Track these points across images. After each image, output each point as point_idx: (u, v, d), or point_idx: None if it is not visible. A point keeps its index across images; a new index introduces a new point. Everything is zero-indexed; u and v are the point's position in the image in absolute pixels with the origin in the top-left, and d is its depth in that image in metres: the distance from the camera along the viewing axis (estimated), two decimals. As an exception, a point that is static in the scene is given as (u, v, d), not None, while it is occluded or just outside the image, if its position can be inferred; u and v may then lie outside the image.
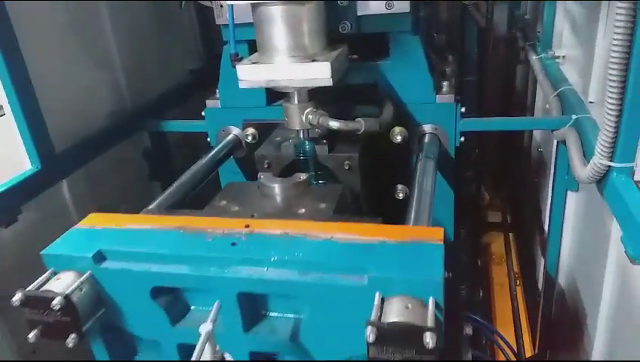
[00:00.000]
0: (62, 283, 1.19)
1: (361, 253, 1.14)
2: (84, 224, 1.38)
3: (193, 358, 0.97)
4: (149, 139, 2.76)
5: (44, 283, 1.21)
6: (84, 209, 2.22)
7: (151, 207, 1.62)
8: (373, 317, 0.99)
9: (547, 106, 2.35)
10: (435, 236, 1.16)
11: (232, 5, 1.76)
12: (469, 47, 3.24)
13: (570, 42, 2.61)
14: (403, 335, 0.97)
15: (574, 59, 2.47)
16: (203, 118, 2.25)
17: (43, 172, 2.02)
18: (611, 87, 1.35)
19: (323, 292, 1.11)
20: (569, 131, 1.90)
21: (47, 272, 1.24)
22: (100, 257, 1.24)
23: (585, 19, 2.26)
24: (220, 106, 2.19)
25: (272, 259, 1.15)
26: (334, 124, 1.68)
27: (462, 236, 2.93)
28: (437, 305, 1.02)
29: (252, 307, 1.22)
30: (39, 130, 2.01)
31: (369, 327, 0.97)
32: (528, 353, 2.86)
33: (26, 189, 1.96)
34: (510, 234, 4.34)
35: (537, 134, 3.43)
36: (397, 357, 0.98)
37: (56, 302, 1.12)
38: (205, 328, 0.99)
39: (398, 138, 1.96)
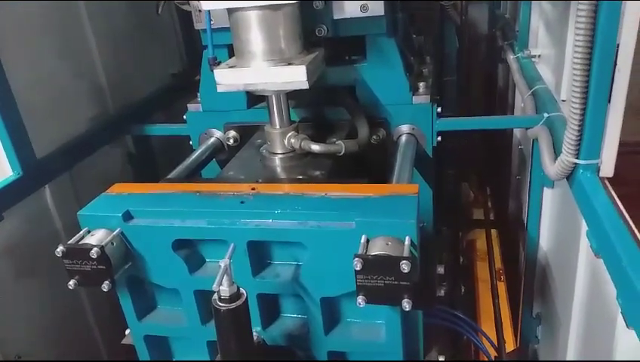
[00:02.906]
0: (96, 238, 1.38)
1: (350, 205, 1.35)
2: (111, 192, 1.58)
3: (214, 286, 1.17)
4: (133, 142, 2.78)
5: (80, 239, 1.39)
6: (67, 214, 2.24)
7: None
8: (360, 251, 1.20)
9: (522, 105, 2.40)
10: (411, 190, 1.41)
11: (209, 10, 1.78)
12: (449, 48, 3.28)
13: (544, 41, 2.66)
14: (384, 265, 1.17)
15: (548, 58, 2.52)
16: (185, 121, 2.27)
17: (25, 178, 2.03)
18: (575, 85, 1.39)
19: (319, 236, 1.32)
20: (541, 129, 1.95)
21: (83, 230, 1.42)
22: (128, 216, 1.44)
23: (557, 19, 2.31)
24: (201, 110, 2.22)
25: (276, 212, 1.36)
26: (315, 147, 1.77)
27: (444, 233, 2.97)
28: (411, 243, 1.21)
29: (259, 255, 1.43)
30: (20, 137, 2.01)
31: (356, 259, 1.17)
32: (510, 347, 2.91)
33: (7, 196, 1.97)
34: (495, 230, 4.40)
35: (518, 132, 3.49)
36: (379, 283, 1.18)
37: (94, 252, 1.31)
38: (224, 263, 1.18)
39: (376, 138, 2.01)
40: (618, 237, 1.25)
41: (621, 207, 1.34)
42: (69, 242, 1.38)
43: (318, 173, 1.74)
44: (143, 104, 2.85)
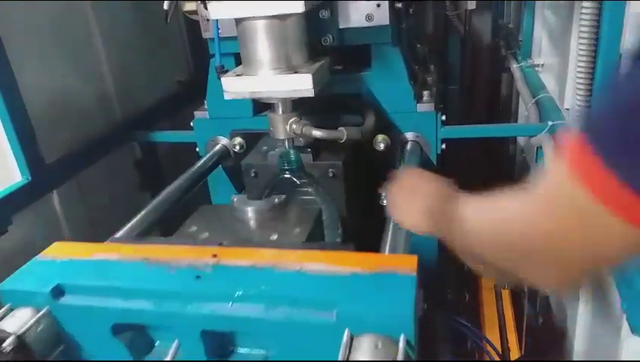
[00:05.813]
0: (17, 322, 1.13)
1: (331, 286, 1.09)
2: (46, 254, 1.33)
3: None
4: (140, 149, 2.80)
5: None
6: (74, 219, 2.27)
7: (144, 212, 1.68)
8: (341, 356, 0.94)
9: (526, 113, 2.42)
10: (408, 265, 1.10)
11: (217, 20, 1.81)
12: (453, 57, 3.31)
13: (548, 51, 2.68)
14: None
15: (552, 67, 2.54)
16: (192, 128, 2.30)
17: (33, 183, 2.05)
18: (579, 94, 1.41)
19: (289, 329, 1.06)
20: (544, 138, 1.97)
21: (4, 308, 1.16)
22: (58, 292, 1.18)
23: (560, 28, 2.33)
24: (208, 117, 2.25)
25: (237, 294, 1.09)
26: (317, 133, 1.74)
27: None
28: (408, 342, 0.96)
29: (218, 343, 1.16)
30: (29, 142, 2.04)
31: None
32: (515, 355, 2.90)
33: (16, 200, 1.99)
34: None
35: (521, 140, 3.50)
36: None
37: (8, 344, 1.05)
38: None
39: (381, 146, 2.03)
40: (622, 244, 1.25)
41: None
42: None
43: (298, 230, 1.53)
44: (149, 111, 2.87)
